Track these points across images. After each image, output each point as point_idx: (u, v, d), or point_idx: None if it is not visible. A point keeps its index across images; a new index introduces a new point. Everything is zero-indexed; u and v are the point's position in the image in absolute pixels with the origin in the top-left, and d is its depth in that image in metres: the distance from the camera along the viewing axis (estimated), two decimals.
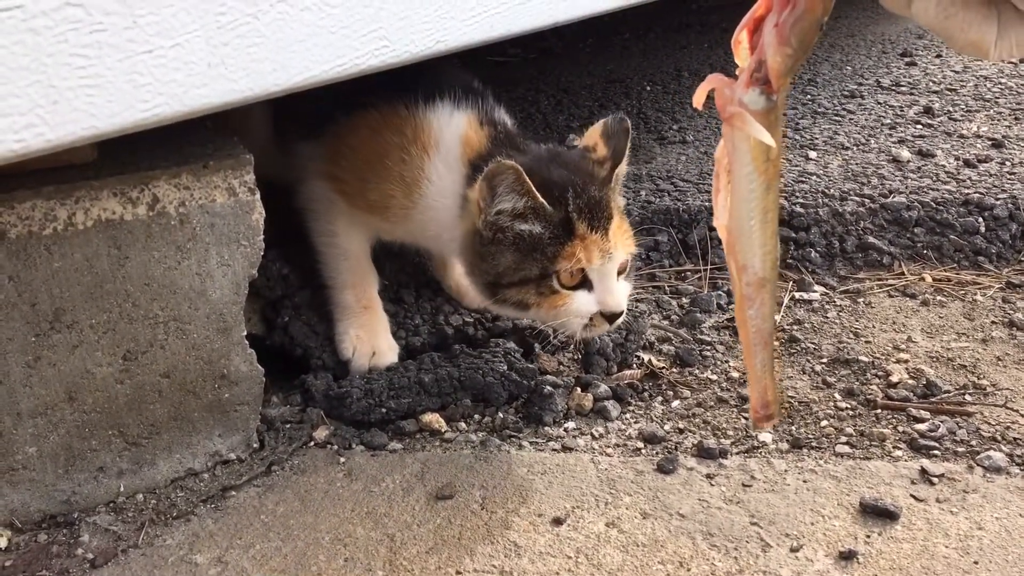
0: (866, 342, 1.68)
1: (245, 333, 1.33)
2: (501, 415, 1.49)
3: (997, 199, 2.02)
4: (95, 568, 1.19)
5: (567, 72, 3.15)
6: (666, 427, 1.46)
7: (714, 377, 1.59)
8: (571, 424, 1.47)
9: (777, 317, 1.76)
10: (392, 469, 1.37)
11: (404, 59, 1.25)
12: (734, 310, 0.86)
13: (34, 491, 1.24)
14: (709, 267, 1.92)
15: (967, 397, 1.51)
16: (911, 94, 2.84)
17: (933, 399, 1.50)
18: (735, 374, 1.59)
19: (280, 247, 1.60)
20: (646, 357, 1.64)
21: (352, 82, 1.22)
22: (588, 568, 1.17)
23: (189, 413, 1.32)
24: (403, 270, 1.78)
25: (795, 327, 1.74)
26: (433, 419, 1.47)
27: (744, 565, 1.17)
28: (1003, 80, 2.93)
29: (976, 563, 1.17)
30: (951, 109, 2.67)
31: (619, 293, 1.44)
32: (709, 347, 1.67)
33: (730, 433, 1.44)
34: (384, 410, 1.46)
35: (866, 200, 2.03)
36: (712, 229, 1.96)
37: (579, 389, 1.54)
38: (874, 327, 1.73)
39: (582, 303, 1.41)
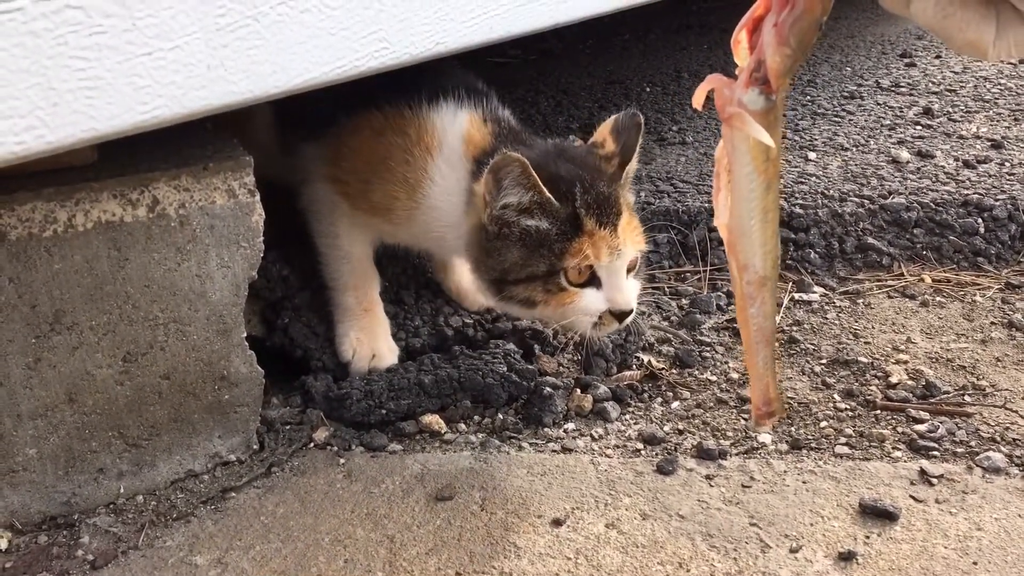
0: (865, 343, 1.68)
1: (245, 335, 1.33)
2: (501, 416, 1.49)
3: (996, 200, 2.02)
4: (95, 569, 1.19)
5: (567, 73, 3.15)
6: (666, 428, 1.46)
7: (713, 378, 1.59)
8: (571, 425, 1.48)
9: (776, 318, 1.76)
10: (392, 470, 1.37)
11: (404, 61, 1.25)
12: (735, 309, 0.86)
13: (34, 492, 1.24)
14: (709, 268, 1.92)
15: (966, 398, 1.51)
16: (910, 95, 2.85)
17: (932, 400, 1.51)
18: (734, 375, 1.59)
19: (280, 249, 1.60)
20: (646, 358, 1.64)
21: (354, 83, 1.22)
22: (588, 569, 1.17)
23: (189, 414, 1.32)
24: (403, 272, 1.79)
25: (794, 328, 1.74)
26: (433, 420, 1.47)
27: (743, 566, 1.18)
28: (1002, 81, 2.93)
29: (975, 564, 1.17)
30: (950, 110, 2.68)
31: (628, 291, 1.42)
32: (709, 348, 1.67)
33: (729, 434, 1.44)
34: (384, 411, 1.47)
35: (865, 201, 2.04)
36: (712, 230, 1.96)
37: (579, 390, 1.55)
38: (873, 328, 1.73)
39: (591, 301, 1.39)
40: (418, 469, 1.37)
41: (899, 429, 1.44)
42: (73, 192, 1.17)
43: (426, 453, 1.41)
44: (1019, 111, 2.65)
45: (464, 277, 1.72)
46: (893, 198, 2.04)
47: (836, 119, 2.64)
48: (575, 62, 3.32)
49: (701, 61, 3.23)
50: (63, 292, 1.19)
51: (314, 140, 1.62)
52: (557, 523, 1.26)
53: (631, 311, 1.41)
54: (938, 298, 1.83)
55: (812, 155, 2.35)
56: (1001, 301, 1.81)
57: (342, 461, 1.39)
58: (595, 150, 1.48)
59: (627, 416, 1.50)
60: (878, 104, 2.76)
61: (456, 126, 1.51)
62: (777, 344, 1.67)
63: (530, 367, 1.55)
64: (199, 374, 1.31)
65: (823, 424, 1.46)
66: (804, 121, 2.63)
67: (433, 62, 1.32)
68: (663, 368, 1.62)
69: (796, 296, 1.85)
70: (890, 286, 1.88)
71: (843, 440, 1.42)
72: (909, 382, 1.55)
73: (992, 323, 1.73)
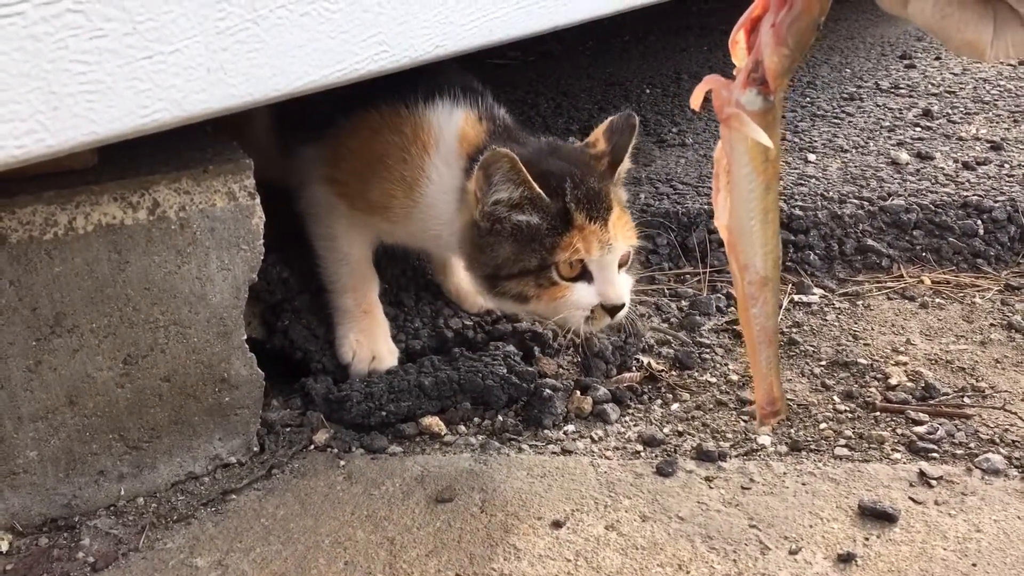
0: (865, 344, 1.68)
1: (245, 337, 1.33)
2: (501, 418, 1.49)
3: (996, 202, 2.03)
4: (96, 571, 1.19)
5: (566, 75, 3.15)
6: (665, 430, 1.46)
7: (713, 380, 1.59)
8: (570, 427, 1.48)
9: (778, 317, 1.76)
10: (392, 472, 1.37)
11: (403, 64, 1.25)
12: (737, 310, 0.86)
13: (35, 495, 1.24)
14: (708, 270, 1.93)
15: (966, 399, 1.52)
16: (910, 97, 2.85)
17: (932, 401, 1.51)
18: (734, 377, 1.60)
19: (280, 251, 1.60)
20: (645, 360, 1.64)
21: (352, 85, 1.22)
22: (587, 571, 1.18)
23: (189, 417, 1.32)
24: (403, 274, 1.79)
25: (794, 330, 1.74)
26: (433, 422, 1.47)
27: (743, 568, 1.18)
28: (1002, 83, 2.93)
29: (974, 565, 1.17)
30: (950, 112, 2.68)
31: (620, 285, 1.42)
32: (708, 350, 1.68)
33: (729, 436, 1.45)
34: (384, 413, 1.47)
35: (865, 203, 2.04)
36: (712, 232, 1.97)
37: (578, 392, 1.55)
38: (873, 329, 1.73)
39: (582, 295, 1.40)
40: (418, 471, 1.37)
41: (898, 431, 1.44)
42: (74, 195, 1.17)
43: (426, 455, 1.42)
44: (1018, 113, 2.66)
45: (464, 279, 1.72)
46: (892, 200, 2.05)
47: (836, 121, 2.65)
48: (575, 64, 3.32)
49: (701, 63, 3.23)
50: (64, 295, 1.19)
51: (313, 142, 1.62)
52: (557, 525, 1.26)
53: (623, 305, 1.42)
54: (937, 300, 1.83)
55: (812, 157, 2.35)
56: (1000, 303, 1.81)
57: (342, 463, 1.39)
58: (588, 149, 1.49)
59: (627, 418, 1.50)
60: (878, 106, 2.77)
61: (452, 124, 1.52)
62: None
63: (530, 369, 1.55)
64: (199, 376, 1.31)
65: (822, 426, 1.46)
66: (804, 123, 2.63)
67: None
68: (663, 370, 1.62)
69: (796, 298, 1.85)
70: (889, 288, 1.88)
71: (842, 442, 1.42)
72: (908, 384, 1.55)
73: (991, 325, 1.74)
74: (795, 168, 2.26)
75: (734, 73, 0.75)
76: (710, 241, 1.97)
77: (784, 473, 1.36)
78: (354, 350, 1.55)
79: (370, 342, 1.56)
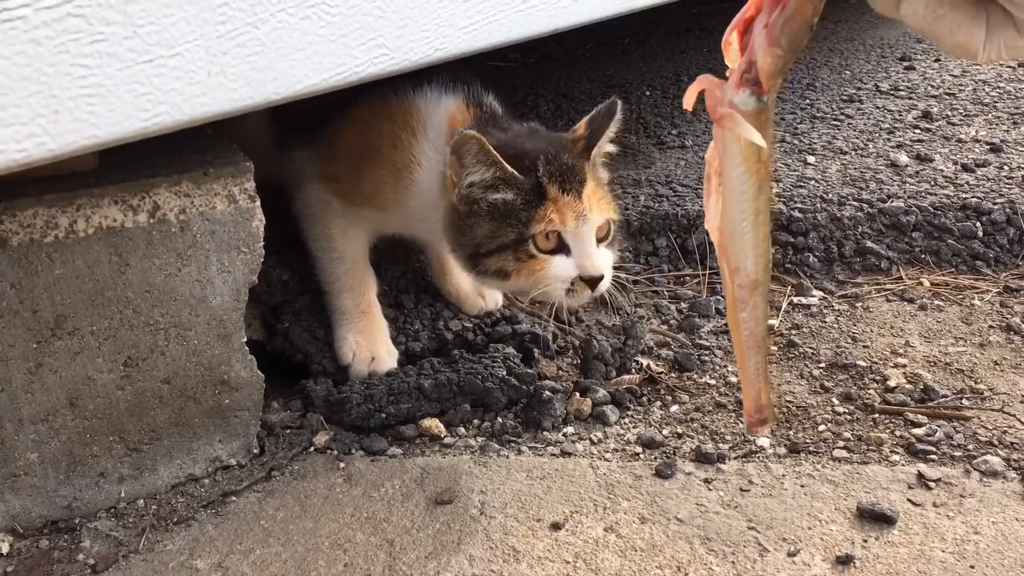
0: (864, 347, 1.68)
1: (245, 339, 1.34)
2: (500, 420, 1.50)
3: (995, 203, 2.03)
4: (96, 574, 1.20)
5: (567, 77, 3.15)
6: (664, 432, 1.47)
7: (712, 382, 1.60)
8: (570, 429, 1.48)
9: (775, 322, 1.77)
10: (392, 474, 1.37)
11: (403, 67, 1.26)
12: (727, 314, 0.86)
13: (36, 497, 1.25)
14: (708, 272, 1.93)
15: (964, 401, 1.52)
16: (910, 98, 2.85)
17: (930, 403, 1.51)
18: (733, 379, 1.60)
19: (280, 253, 1.61)
20: (645, 362, 1.64)
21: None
22: (586, 573, 1.18)
23: (190, 419, 1.32)
24: (403, 275, 1.79)
25: (793, 332, 1.74)
26: (432, 424, 1.48)
27: (741, 570, 1.18)
28: (1001, 84, 2.93)
29: (972, 567, 1.17)
30: (949, 113, 2.68)
31: (598, 257, 1.44)
32: (708, 352, 1.68)
33: (728, 438, 1.45)
34: (384, 415, 1.47)
35: (864, 205, 2.04)
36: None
37: (578, 394, 1.55)
38: (872, 332, 1.74)
39: (560, 268, 1.42)
40: (418, 473, 1.37)
41: (897, 433, 1.45)
42: (74, 198, 1.18)
43: (426, 457, 1.42)
44: (1018, 114, 2.66)
45: (463, 280, 1.72)
46: (892, 202, 2.05)
47: (835, 122, 2.65)
48: (575, 66, 3.33)
49: (701, 65, 3.23)
50: (64, 297, 1.19)
51: (309, 142, 1.64)
52: (556, 527, 1.26)
53: (602, 277, 1.44)
54: (936, 302, 1.83)
55: (811, 159, 2.35)
56: (999, 305, 1.81)
57: (342, 465, 1.40)
58: (568, 134, 1.52)
59: (626, 420, 1.51)
60: (877, 108, 2.77)
61: (441, 110, 1.54)
62: (775, 349, 1.68)
63: (529, 371, 1.55)
64: (200, 379, 1.31)
65: (821, 428, 1.46)
66: (803, 124, 2.63)
67: None
68: (662, 372, 1.62)
69: (795, 300, 1.85)
70: (888, 290, 1.88)
71: (841, 444, 1.42)
72: (907, 386, 1.56)
73: (990, 327, 1.74)
74: (794, 170, 2.27)
75: (727, 74, 0.75)
76: (709, 243, 1.97)
77: (783, 475, 1.36)
78: (353, 351, 1.55)
79: (369, 343, 1.56)
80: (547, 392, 1.51)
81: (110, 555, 1.22)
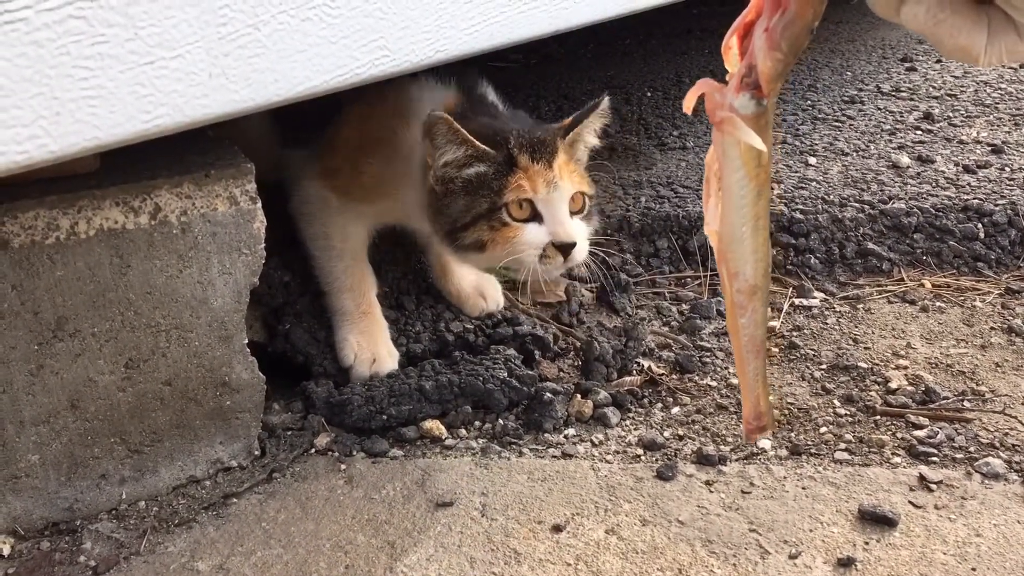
0: (865, 348, 1.68)
1: (246, 341, 1.34)
2: (501, 422, 1.50)
3: (996, 205, 2.03)
4: (97, 575, 1.20)
5: (568, 78, 3.15)
6: (666, 434, 1.47)
7: (714, 383, 1.60)
8: (571, 431, 1.48)
9: (776, 323, 1.77)
10: (393, 476, 1.37)
11: (404, 68, 1.26)
12: (726, 319, 0.86)
13: (37, 499, 1.25)
14: (709, 273, 1.93)
15: (966, 403, 1.52)
16: (911, 100, 2.85)
17: (932, 405, 1.51)
18: (734, 381, 1.60)
19: (281, 255, 1.61)
20: (646, 363, 1.64)
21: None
22: (587, 575, 1.18)
23: (191, 421, 1.32)
24: (404, 277, 1.79)
25: (794, 333, 1.74)
26: (434, 426, 1.48)
27: (743, 572, 1.18)
28: (1003, 86, 2.93)
29: (974, 570, 1.17)
30: (951, 115, 2.68)
31: (570, 225, 1.48)
32: (709, 353, 1.68)
33: (729, 440, 1.45)
34: (385, 417, 1.47)
35: (866, 206, 2.04)
36: None
37: (579, 396, 1.55)
38: (873, 333, 1.73)
39: (533, 235, 1.46)
40: (419, 475, 1.37)
41: (898, 435, 1.44)
42: (76, 200, 1.18)
43: (427, 459, 1.42)
44: (1019, 116, 2.66)
45: (464, 281, 1.72)
46: (893, 203, 2.05)
47: (836, 124, 2.65)
48: (576, 67, 3.33)
49: (702, 66, 3.23)
50: (66, 299, 1.19)
51: (311, 142, 1.65)
52: (557, 529, 1.26)
53: (574, 243, 1.47)
54: (938, 303, 1.83)
55: (812, 160, 2.35)
56: (1001, 306, 1.81)
57: (343, 467, 1.40)
58: (555, 124, 1.57)
59: (627, 422, 1.51)
60: (879, 109, 2.77)
61: (435, 98, 1.56)
62: (776, 351, 1.67)
63: (531, 373, 1.55)
64: (201, 380, 1.31)
65: (823, 430, 1.46)
66: (804, 126, 2.63)
67: None
68: (663, 373, 1.62)
69: (796, 301, 1.85)
70: (890, 291, 1.88)
71: (843, 446, 1.42)
72: (909, 388, 1.56)
73: (992, 328, 1.74)
74: (796, 171, 2.27)
75: (727, 78, 0.75)
76: (710, 245, 1.96)
77: (784, 477, 1.36)
78: (355, 353, 1.55)
79: (371, 344, 1.56)
80: (548, 394, 1.51)
81: (111, 557, 1.22)
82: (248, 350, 1.34)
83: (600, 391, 1.55)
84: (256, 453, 1.40)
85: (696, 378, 1.61)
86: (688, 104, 0.77)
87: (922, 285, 1.89)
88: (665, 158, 2.43)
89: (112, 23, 0.93)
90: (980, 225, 1.99)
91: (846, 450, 1.41)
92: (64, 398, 1.22)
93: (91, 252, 1.19)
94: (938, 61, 3.25)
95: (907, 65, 3.22)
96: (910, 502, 1.30)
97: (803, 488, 1.33)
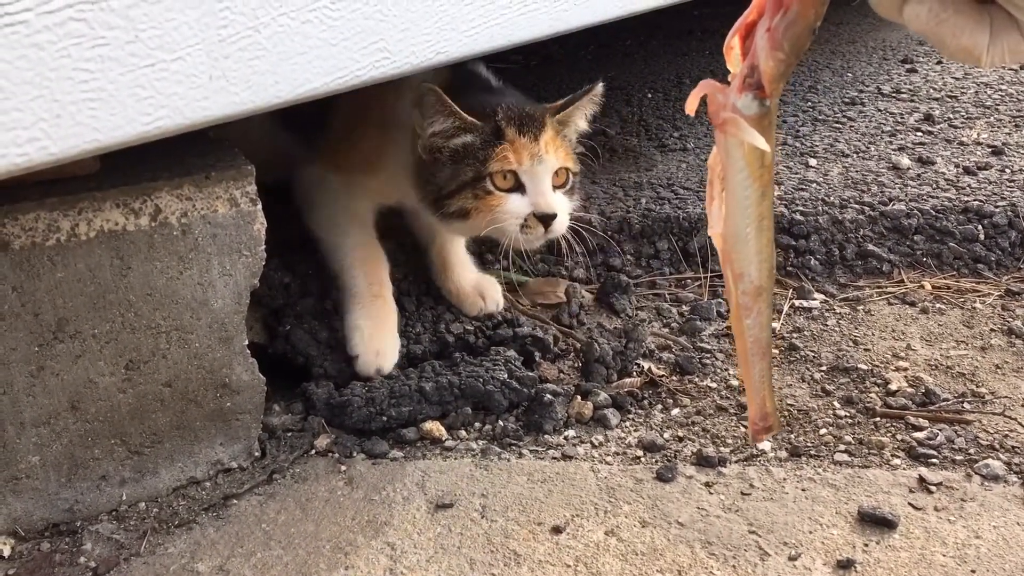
0: (865, 350, 1.68)
1: (247, 342, 1.34)
2: (501, 423, 1.50)
3: (996, 207, 2.03)
4: None
5: (568, 79, 3.15)
6: (665, 435, 1.47)
7: (714, 385, 1.60)
8: (571, 432, 1.48)
9: (777, 325, 1.77)
10: (393, 477, 1.37)
11: (405, 70, 1.26)
12: (731, 321, 0.86)
13: (37, 500, 1.25)
14: (709, 275, 1.93)
15: (966, 405, 1.52)
16: (912, 101, 2.85)
17: (932, 407, 1.51)
18: (735, 382, 1.60)
19: (282, 256, 1.61)
20: (646, 365, 1.64)
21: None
22: None
23: (191, 422, 1.33)
24: (405, 278, 1.79)
25: (794, 335, 1.74)
26: (434, 427, 1.48)
27: (742, 574, 1.18)
28: (1003, 87, 2.93)
29: (973, 572, 1.17)
30: (951, 116, 2.68)
31: (552, 196, 1.53)
32: (709, 355, 1.68)
33: (729, 441, 1.45)
34: (385, 418, 1.47)
35: (866, 208, 2.04)
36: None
37: (579, 397, 1.55)
38: (873, 335, 1.74)
39: (515, 204, 1.51)
40: (419, 476, 1.37)
41: (898, 436, 1.45)
42: (76, 201, 1.18)
43: (427, 460, 1.42)
44: (1020, 117, 2.65)
45: (464, 279, 1.73)
46: (893, 205, 2.05)
47: (837, 125, 2.65)
48: (577, 68, 3.33)
49: (703, 67, 3.23)
50: (66, 301, 1.19)
51: (315, 135, 1.67)
52: (557, 530, 1.26)
53: (554, 215, 1.52)
54: (938, 305, 1.83)
55: (813, 161, 2.35)
56: (1001, 308, 1.81)
57: (343, 468, 1.40)
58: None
59: (627, 423, 1.51)
60: (879, 110, 2.77)
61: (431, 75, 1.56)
62: (776, 352, 1.67)
63: (531, 374, 1.55)
64: (201, 382, 1.31)
65: (822, 431, 1.46)
66: (805, 127, 2.63)
67: None
68: (663, 375, 1.62)
69: (796, 303, 1.85)
70: (890, 293, 1.88)
71: (842, 447, 1.42)
72: (908, 389, 1.56)
73: (992, 330, 1.74)
74: (796, 173, 2.27)
75: (729, 79, 0.75)
76: (711, 246, 1.97)
77: (784, 479, 1.36)
78: (364, 342, 1.55)
79: (379, 334, 1.56)
80: (548, 395, 1.51)
81: (111, 558, 1.22)
82: (248, 351, 1.34)
83: (600, 392, 1.55)
84: (256, 454, 1.40)
85: (696, 379, 1.61)
86: (690, 106, 0.77)
87: (922, 287, 1.89)
88: (666, 159, 2.43)
89: (113, 25, 0.93)
90: (980, 227, 1.99)
91: (846, 452, 1.41)
92: (64, 399, 1.22)
93: (91, 254, 1.20)
94: (938, 63, 3.25)
95: (908, 67, 3.22)
96: (910, 504, 1.30)
97: (803, 490, 1.33)
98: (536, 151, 1.51)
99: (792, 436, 1.46)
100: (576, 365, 1.65)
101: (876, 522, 1.26)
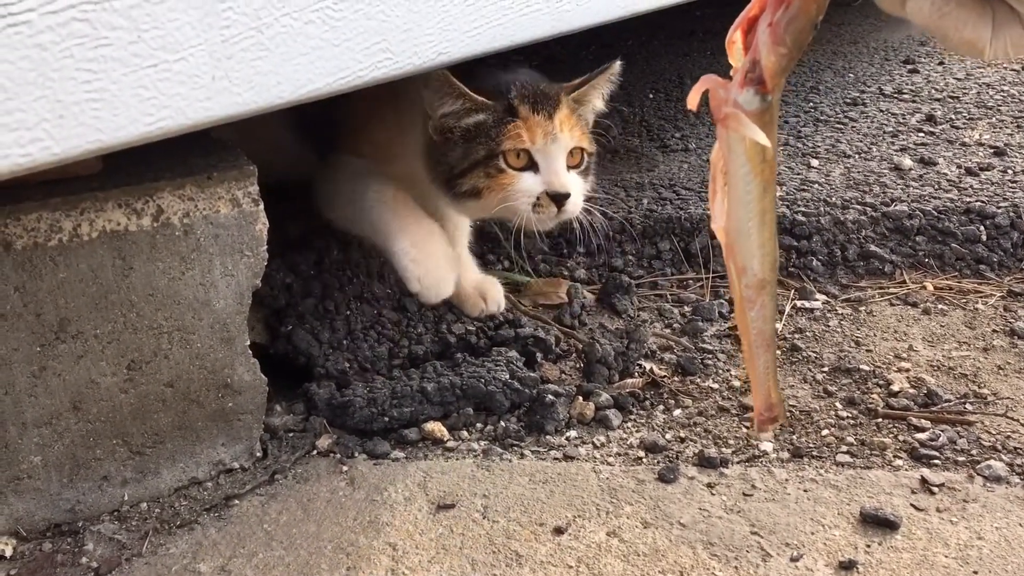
0: (867, 351, 1.68)
1: (248, 342, 1.34)
2: (503, 424, 1.50)
3: (999, 207, 2.03)
4: None
5: (569, 79, 3.15)
6: (667, 436, 1.47)
7: (715, 386, 1.59)
8: (573, 433, 1.48)
9: (778, 325, 1.77)
10: (394, 478, 1.37)
11: (407, 71, 1.26)
12: (735, 314, 0.86)
13: (39, 500, 1.25)
14: (711, 276, 1.93)
15: (968, 406, 1.52)
16: (913, 102, 2.85)
17: (934, 408, 1.51)
18: (737, 383, 1.60)
19: (284, 256, 1.61)
20: (648, 366, 1.64)
21: None
22: None
23: (193, 422, 1.33)
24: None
25: (796, 335, 1.74)
26: (435, 428, 1.48)
27: (744, 574, 1.18)
28: (1005, 88, 2.93)
29: (975, 573, 1.17)
30: (953, 117, 2.68)
31: (565, 176, 1.52)
32: (711, 356, 1.68)
33: (731, 442, 1.45)
34: (387, 419, 1.47)
35: (868, 208, 2.04)
36: (714, 237, 1.96)
37: (581, 398, 1.55)
38: (875, 336, 1.73)
39: (528, 183, 1.50)
40: (420, 477, 1.37)
41: (900, 437, 1.44)
42: (78, 202, 1.18)
43: (429, 461, 1.42)
44: (1022, 118, 2.65)
45: (465, 279, 1.72)
46: (895, 205, 2.05)
47: (839, 126, 2.65)
48: (578, 69, 3.31)
49: (704, 67, 3.22)
50: (68, 301, 1.19)
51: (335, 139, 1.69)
52: (559, 531, 1.26)
53: (567, 195, 1.51)
54: (940, 306, 1.83)
55: (815, 162, 2.35)
56: (1003, 309, 1.81)
57: (345, 469, 1.40)
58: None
59: (629, 424, 1.51)
60: (881, 111, 2.77)
61: None
62: (778, 352, 1.67)
63: (532, 375, 1.55)
64: (203, 382, 1.31)
65: (824, 432, 1.46)
66: (807, 128, 2.63)
67: None
68: (665, 376, 1.62)
69: (798, 303, 1.85)
70: (892, 294, 1.88)
71: (844, 448, 1.42)
72: (911, 390, 1.56)
73: (994, 331, 1.74)
74: (798, 174, 2.27)
75: (731, 74, 0.75)
76: (713, 247, 1.97)
77: (786, 480, 1.36)
78: (418, 274, 1.55)
79: (431, 262, 1.56)
80: (550, 396, 1.51)
81: (113, 558, 1.22)
82: (250, 352, 1.34)
83: (602, 393, 1.55)
84: (258, 455, 1.40)
85: (698, 380, 1.61)
86: (692, 101, 0.77)
87: (924, 287, 1.89)
88: (667, 160, 2.43)
89: (115, 26, 0.93)
90: (982, 227, 1.99)
91: (848, 452, 1.41)
92: (66, 400, 1.23)
93: (94, 254, 1.20)
94: (940, 63, 3.25)
95: (909, 67, 3.22)
96: (912, 505, 1.30)
97: (805, 490, 1.33)
98: (550, 129, 1.50)
99: (794, 437, 1.46)
100: (578, 366, 1.65)
101: (878, 523, 1.26)
